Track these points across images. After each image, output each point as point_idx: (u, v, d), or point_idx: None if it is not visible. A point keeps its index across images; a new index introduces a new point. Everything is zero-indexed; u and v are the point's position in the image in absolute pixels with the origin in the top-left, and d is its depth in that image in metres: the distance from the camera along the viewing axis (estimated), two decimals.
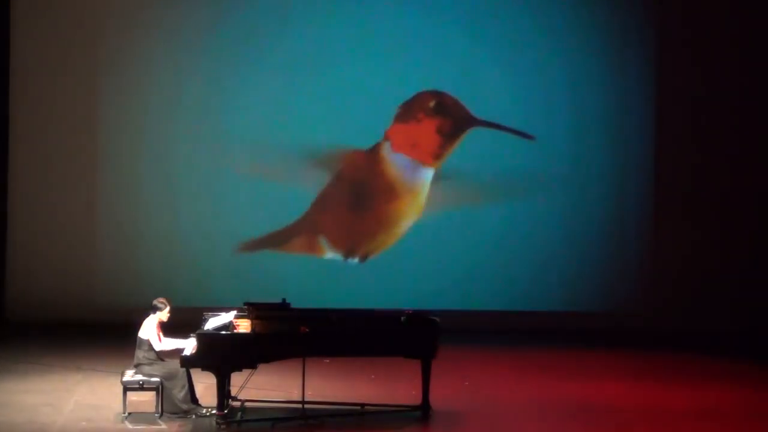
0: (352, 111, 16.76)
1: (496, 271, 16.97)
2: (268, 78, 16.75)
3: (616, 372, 14.04)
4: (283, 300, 11.45)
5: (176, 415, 11.12)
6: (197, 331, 11.05)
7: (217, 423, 10.91)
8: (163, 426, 10.93)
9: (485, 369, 14.13)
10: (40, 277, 16.53)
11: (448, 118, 16.75)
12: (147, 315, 11.34)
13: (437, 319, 11.59)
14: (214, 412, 11.05)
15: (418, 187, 16.79)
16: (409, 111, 16.77)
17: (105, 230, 16.68)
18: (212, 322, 11.34)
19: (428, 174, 16.82)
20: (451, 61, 16.91)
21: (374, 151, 16.74)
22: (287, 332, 11.09)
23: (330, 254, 16.83)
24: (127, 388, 11.09)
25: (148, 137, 16.75)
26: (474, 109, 16.89)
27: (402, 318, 11.58)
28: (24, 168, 16.62)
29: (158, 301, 11.36)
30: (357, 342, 11.39)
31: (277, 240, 16.73)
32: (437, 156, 16.78)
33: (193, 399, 11.36)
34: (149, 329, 11.24)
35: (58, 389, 12.30)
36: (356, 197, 16.84)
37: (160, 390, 11.10)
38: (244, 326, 11.23)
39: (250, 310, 11.21)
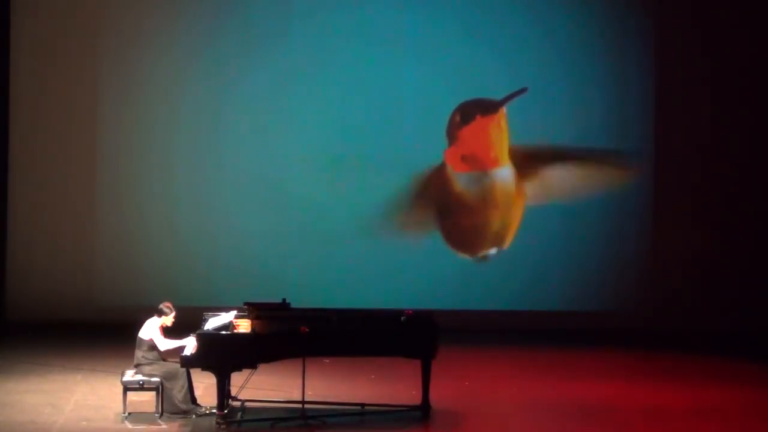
0: (350, 115, 16.80)
1: (497, 271, 16.97)
2: (267, 79, 16.74)
3: (616, 372, 14.04)
4: (283, 300, 11.45)
5: (176, 415, 11.12)
6: (197, 331, 11.05)
7: (217, 423, 10.91)
8: (163, 426, 10.93)
9: (485, 369, 14.13)
10: (40, 277, 16.53)
11: (477, 120, 16.82)
12: (150, 316, 11.35)
13: (437, 319, 11.59)
14: (214, 411, 11.06)
15: (497, 191, 16.91)
16: (448, 134, 16.83)
17: (105, 230, 16.67)
18: (212, 322, 11.34)
19: (501, 173, 16.88)
20: (450, 60, 16.91)
21: (440, 174, 16.90)
22: (287, 332, 11.09)
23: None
24: (127, 388, 11.09)
25: (148, 137, 16.74)
26: None
27: (402, 318, 11.59)
28: (24, 168, 16.61)
29: (165, 306, 11.35)
30: (357, 342, 11.40)
31: None
32: (495, 156, 16.86)
33: (193, 399, 11.37)
34: (151, 330, 11.24)
35: (58, 389, 12.30)
36: (441, 214, 17.00)
37: (160, 390, 11.11)
38: (244, 326, 11.24)
39: (250, 310, 11.21)
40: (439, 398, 11.72)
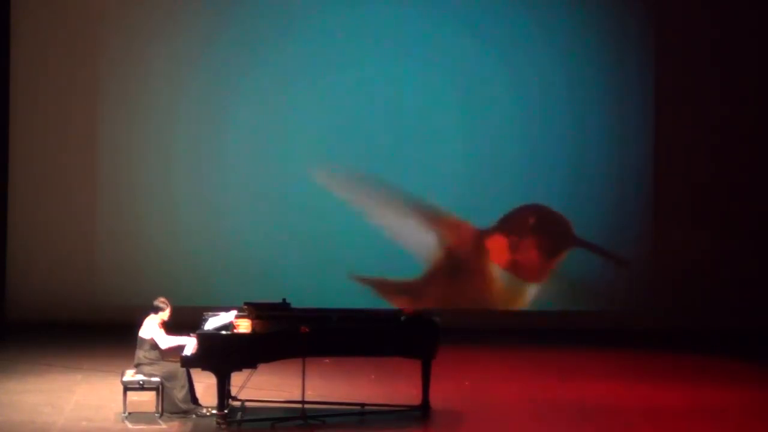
0: (350, 115, 16.79)
1: (495, 271, 16.98)
2: (267, 79, 16.73)
3: (616, 372, 14.03)
4: (283, 300, 11.46)
5: (176, 415, 11.13)
6: (197, 331, 11.06)
7: (217, 423, 10.92)
8: (163, 426, 10.94)
9: (485, 369, 14.13)
10: (40, 277, 16.53)
11: (548, 236, 16.76)
12: (147, 314, 11.36)
13: (437, 319, 11.60)
14: (214, 412, 11.06)
15: (516, 299, 16.84)
16: (509, 225, 16.76)
17: (105, 230, 16.67)
18: (212, 322, 11.35)
19: (531, 290, 16.82)
20: (450, 61, 16.90)
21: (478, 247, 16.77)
22: (287, 332, 11.10)
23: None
24: (127, 388, 11.10)
25: (148, 137, 16.74)
26: (472, 107, 16.90)
27: (402, 318, 11.59)
28: (24, 168, 16.61)
29: (159, 302, 11.38)
30: (357, 342, 11.40)
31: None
32: (539, 275, 16.77)
33: (193, 399, 11.37)
34: (150, 329, 11.25)
35: (58, 389, 12.30)
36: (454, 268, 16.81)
37: (160, 390, 11.11)
38: (244, 326, 11.24)
39: (250, 310, 11.22)
40: (439, 398, 11.73)
